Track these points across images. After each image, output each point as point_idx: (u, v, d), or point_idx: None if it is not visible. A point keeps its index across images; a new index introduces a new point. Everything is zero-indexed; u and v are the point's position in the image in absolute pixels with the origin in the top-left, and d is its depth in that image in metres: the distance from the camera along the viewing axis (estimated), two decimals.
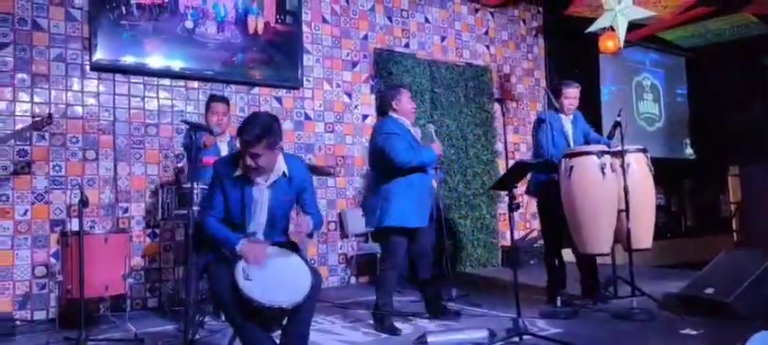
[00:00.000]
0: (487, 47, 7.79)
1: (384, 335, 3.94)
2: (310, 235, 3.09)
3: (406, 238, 4.09)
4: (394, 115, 4.18)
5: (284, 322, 2.84)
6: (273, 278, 2.73)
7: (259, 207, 2.91)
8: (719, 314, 3.86)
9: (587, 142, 4.73)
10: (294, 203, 3.02)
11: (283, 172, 2.93)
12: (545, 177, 4.61)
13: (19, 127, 4.76)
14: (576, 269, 4.71)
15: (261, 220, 2.94)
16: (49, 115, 4.27)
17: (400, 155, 3.94)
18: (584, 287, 4.69)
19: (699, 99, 10.13)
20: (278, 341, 2.85)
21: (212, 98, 4.67)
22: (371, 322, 4.19)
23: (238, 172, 2.89)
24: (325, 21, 6.51)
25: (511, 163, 4.48)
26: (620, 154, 4.19)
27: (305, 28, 6.33)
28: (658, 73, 9.95)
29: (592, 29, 6.81)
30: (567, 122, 4.77)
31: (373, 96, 6.73)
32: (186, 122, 3.49)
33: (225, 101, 4.70)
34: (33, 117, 4.78)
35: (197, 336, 3.84)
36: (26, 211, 4.85)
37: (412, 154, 3.99)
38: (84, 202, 3.95)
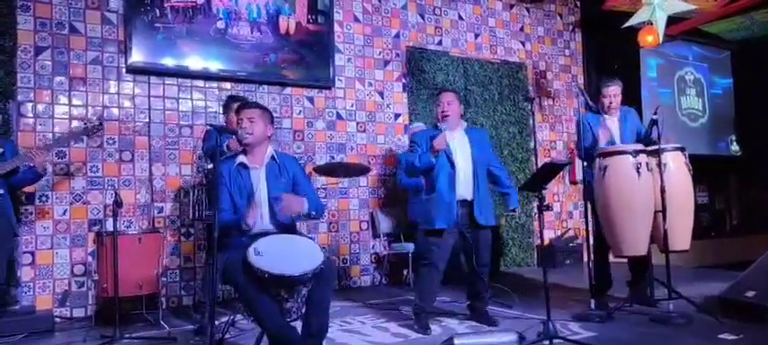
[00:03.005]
0: (523, 43, 7.67)
1: (414, 335, 3.92)
2: (309, 216, 3.26)
3: (440, 238, 4.06)
4: (436, 121, 4.31)
5: (302, 308, 2.92)
6: (283, 254, 2.87)
7: (259, 190, 3.20)
8: (761, 319, 3.70)
9: (640, 141, 4.54)
10: (290, 188, 3.28)
11: (272, 156, 3.28)
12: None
13: (67, 130, 4.94)
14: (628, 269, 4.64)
15: (263, 205, 3.21)
16: (100, 122, 4.39)
17: (402, 164, 4.51)
18: (631, 288, 4.59)
19: (745, 93, 9.76)
20: (300, 331, 2.94)
21: (232, 99, 4.58)
22: (404, 322, 4.22)
23: (238, 161, 3.23)
24: (356, 20, 6.50)
25: (543, 162, 4.38)
26: (657, 154, 4.06)
27: (336, 27, 6.34)
28: (702, 67, 9.63)
29: (630, 23, 6.63)
30: (611, 122, 4.60)
31: (405, 95, 6.70)
32: (212, 125, 3.53)
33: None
34: (85, 122, 4.87)
35: (227, 335, 3.89)
36: (65, 211, 4.98)
37: (409, 162, 4.20)
38: (118, 203, 4.05)
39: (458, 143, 4.14)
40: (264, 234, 3.12)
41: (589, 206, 4.47)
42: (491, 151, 4.34)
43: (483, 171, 4.17)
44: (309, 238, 3.32)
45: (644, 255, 4.22)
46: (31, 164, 4.01)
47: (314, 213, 3.27)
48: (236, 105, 4.38)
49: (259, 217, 3.17)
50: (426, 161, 4.05)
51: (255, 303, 2.83)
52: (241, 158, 3.25)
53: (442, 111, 4.19)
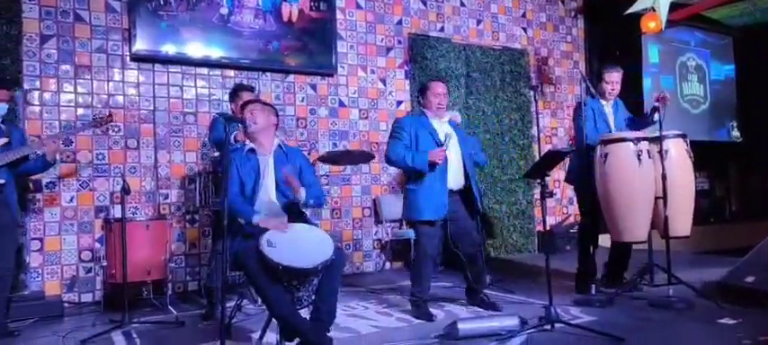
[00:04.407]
0: (525, 29, 7.67)
1: (417, 321, 3.97)
2: (307, 205, 3.36)
3: (431, 228, 4.05)
4: (423, 109, 4.24)
5: (312, 295, 2.99)
6: (296, 246, 2.94)
7: (266, 174, 3.37)
8: (760, 304, 3.76)
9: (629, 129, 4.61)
10: (297, 176, 3.37)
11: (278, 145, 3.48)
12: (583, 162, 4.53)
13: (74, 119, 4.99)
14: (608, 254, 4.70)
15: (270, 187, 3.36)
16: (110, 113, 4.44)
17: (387, 154, 4.13)
18: (608, 273, 4.67)
19: (746, 80, 9.77)
20: (309, 318, 3.03)
21: (240, 87, 4.61)
22: (407, 308, 4.23)
23: (248, 147, 3.42)
24: (358, 6, 6.51)
25: (545, 149, 4.40)
26: (658, 140, 4.10)
27: (339, 14, 6.35)
28: (704, 53, 9.63)
29: (633, 9, 6.64)
30: (608, 108, 4.63)
31: (408, 82, 6.73)
32: (222, 115, 3.61)
33: (253, 90, 4.70)
34: (94, 114, 4.95)
35: (234, 320, 3.95)
36: (72, 198, 5.04)
37: (400, 155, 4.02)
38: (126, 190, 4.11)
39: (447, 133, 4.07)
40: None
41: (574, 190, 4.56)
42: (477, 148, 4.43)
43: (470, 160, 4.18)
44: (314, 224, 3.42)
45: (629, 244, 4.35)
46: (42, 152, 4.03)
47: (312, 202, 3.37)
48: (243, 93, 4.43)
49: (267, 196, 3.31)
50: (421, 166, 3.94)
51: (266, 291, 2.91)
52: (250, 144, 3.42)
53: (439, 103, 4.13)
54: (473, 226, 4.20)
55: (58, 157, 4.50)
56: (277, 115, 3.57)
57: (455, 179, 4.07)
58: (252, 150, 3.42)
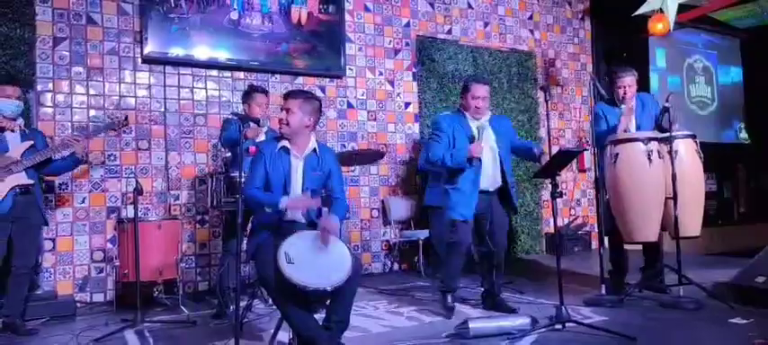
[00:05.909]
0: (532, 31, 7.68)
1: (428, 319, 4.01)
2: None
3: (466, 224, 4.09)
4: (461, 108, 4.27)
5: (327, 303, 2.98)
6: (314, 262, 2.88)
7: (295, 177, 3.23)
8: None
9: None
10: (324, 181, 3.31)
11: (314, 149, 3.28)
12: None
13: (89, 123, 5.07)
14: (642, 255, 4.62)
15: (297, 190, 3.23)
16: (126, 117, 4.51)
17: (429, 154, 4.20)
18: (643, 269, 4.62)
19: (754, 81, 9.75)
20: (321, 322, 3.02)
21: (254, 89, 4.60)
22: (417, 307, 4.28)
23: (280, 145, 3.24)
24: (367, 9, 6.54)
25: (554, 150, 4.41)
26: (668, 141, 4.11)
27: (347, 17, 6.38)
28: (711, 55, 9.61)
29: (640, 11, 6.64)
30: (626, 108, 4.47)
31: (416, 84, 6.75)
32: (235, 114, 3.62)
33: (266, 92, 4.74)
34: (111, 117, 5.02)
35: (245, 319, 3.98)
36: (84, 199, 5.08)
37: (439, 155, 4.08)
38: (139, 191, 4.14)
39: (484, 135, 4.09)
40: (292, 222, 3.17)
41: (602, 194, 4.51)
42: (514, 134, 4.40)
43: (508, 159, 4.19)
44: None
45: (655, 241, 4.28)
46: (70, 152, 4.12)
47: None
48: (256, 95, 4.45)
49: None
50: (459, 162, 3.99)
51: (285, 309, 2.92)
52: (284, 142, 3.25)
53: (477, 106, 4.13)
54: (504, 227, 4.24)
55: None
56: (319, 108, 3.31)
57: (488, 180, 4.09)
58: (285, 148, 3.23)
